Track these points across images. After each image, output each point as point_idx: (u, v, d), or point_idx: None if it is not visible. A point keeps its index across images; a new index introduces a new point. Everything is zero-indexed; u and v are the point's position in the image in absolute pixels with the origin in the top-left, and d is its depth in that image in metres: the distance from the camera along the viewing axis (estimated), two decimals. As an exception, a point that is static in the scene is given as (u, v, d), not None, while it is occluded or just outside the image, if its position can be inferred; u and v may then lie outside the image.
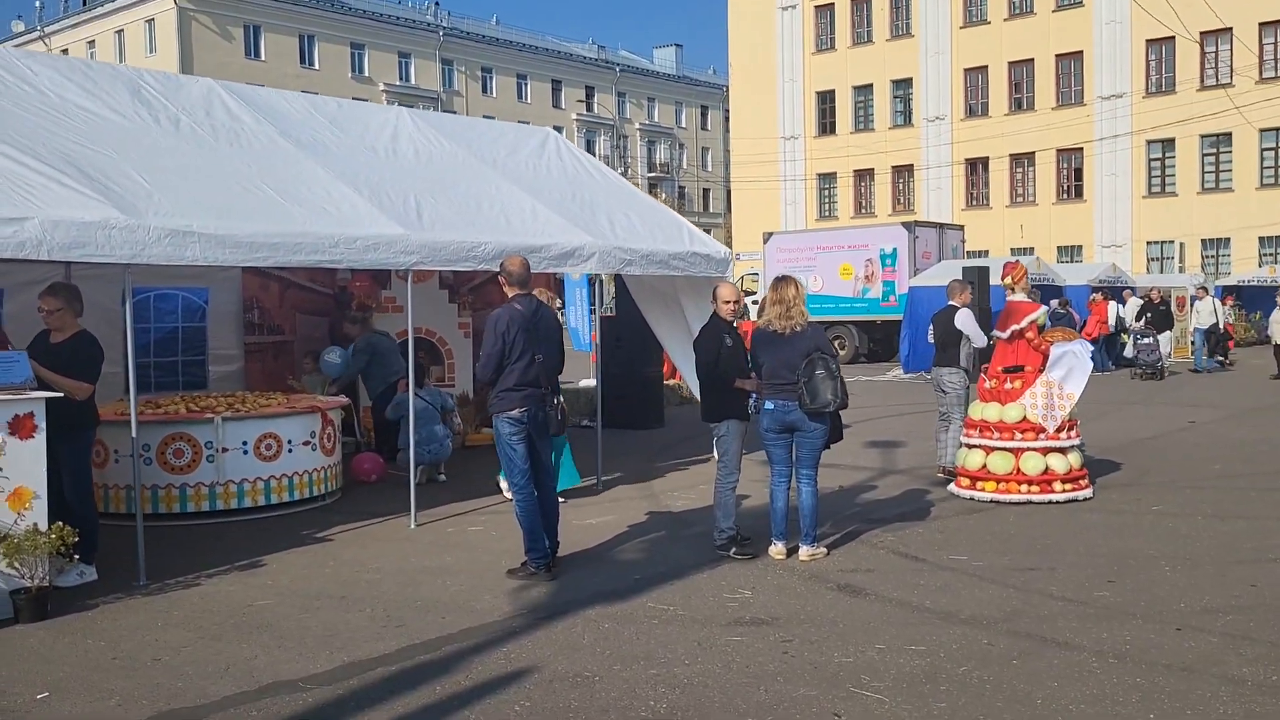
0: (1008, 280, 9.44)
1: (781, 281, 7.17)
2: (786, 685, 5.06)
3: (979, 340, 10.05)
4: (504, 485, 8.12)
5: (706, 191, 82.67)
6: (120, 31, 60.70)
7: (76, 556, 6.73)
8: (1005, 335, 9.38)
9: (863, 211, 46.34)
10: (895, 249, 26.51)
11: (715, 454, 11.51)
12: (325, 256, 7.95)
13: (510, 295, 7.01)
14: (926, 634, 5.72)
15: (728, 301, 7.46)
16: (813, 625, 5.92)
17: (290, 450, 9.18)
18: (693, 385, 11.98)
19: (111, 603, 6.52)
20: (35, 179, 6.67)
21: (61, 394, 6.54)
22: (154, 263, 7.13)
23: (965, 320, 10.01)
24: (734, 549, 7.37)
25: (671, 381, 16.49)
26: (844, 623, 5.95)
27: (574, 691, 5.04)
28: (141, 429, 8.37)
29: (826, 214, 47.49)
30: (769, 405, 7.14)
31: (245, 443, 8.91)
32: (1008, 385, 9.29)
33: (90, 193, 6.92)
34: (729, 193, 59.69)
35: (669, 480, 10.63)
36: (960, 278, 11.13)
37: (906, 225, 27.03)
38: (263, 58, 59.04)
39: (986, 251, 34.92)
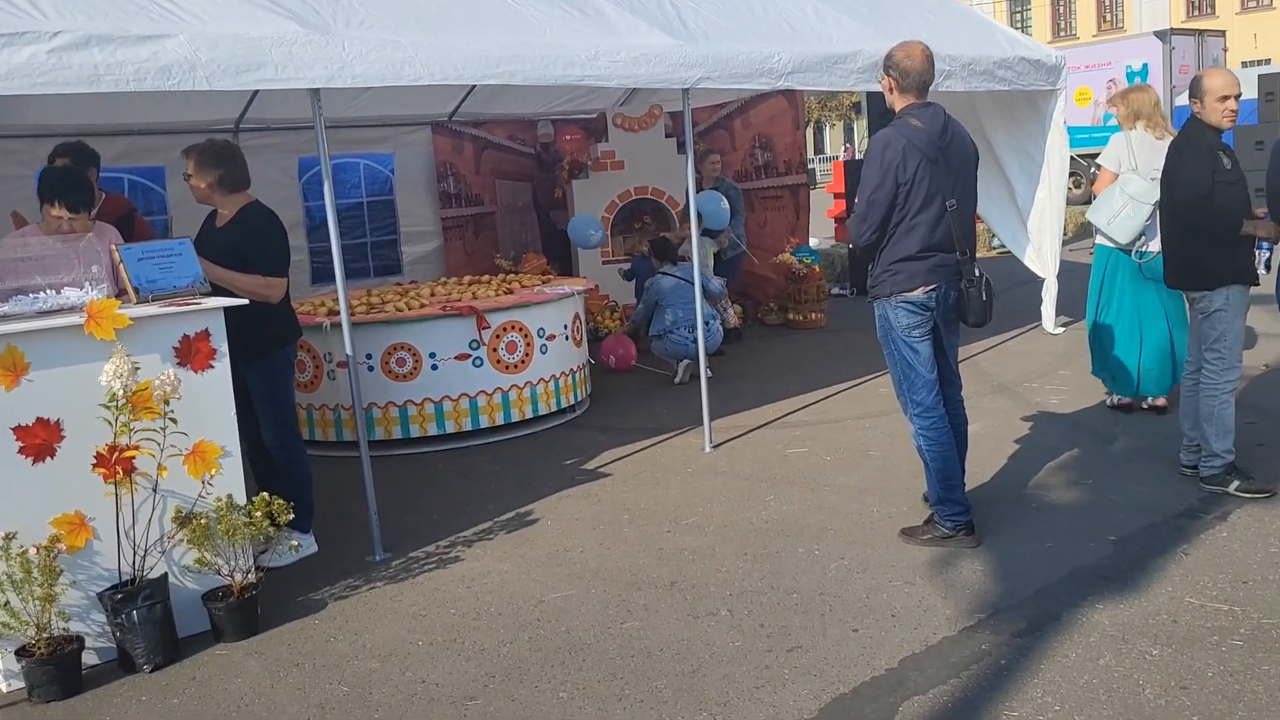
0: None
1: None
2: None
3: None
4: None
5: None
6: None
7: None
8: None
9: (1060, 34, 41.10)
10: (1145, 64, 22.47)
11: (1047, 322, 8.96)
12: (582, 72, 5.56)
13: (901, 107, 4.45)
14: None
15: (1225, 98, 4.71)
16: None
17: (544, 350, 7.10)
18: (1013, 245, 9.31)
19: (346, 595, 4.51)
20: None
21: (244, 299, 4.46)
22: (358, 83, 4.90)
23: None
24: (1236, 483, 4.84)
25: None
26: None
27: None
28: (359, 334, 6.41)
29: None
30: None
31: (474, 343, 6.78)
32: None
33: (260, 4, 4.68)
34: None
35: (1009, 361, 8.06)
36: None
37: (1159, 34, 22.84)
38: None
39: (1268, 60, 29.79)
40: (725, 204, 9.27)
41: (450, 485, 6.00)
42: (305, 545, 4.96)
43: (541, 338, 7.03)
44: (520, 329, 6.93)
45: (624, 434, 6.80)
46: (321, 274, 10.17)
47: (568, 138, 11.05)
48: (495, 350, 6.79)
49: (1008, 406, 6.77)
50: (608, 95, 11.37)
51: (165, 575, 4.05)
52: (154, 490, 4.01)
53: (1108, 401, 6.49)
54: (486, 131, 11.01)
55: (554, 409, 7.16)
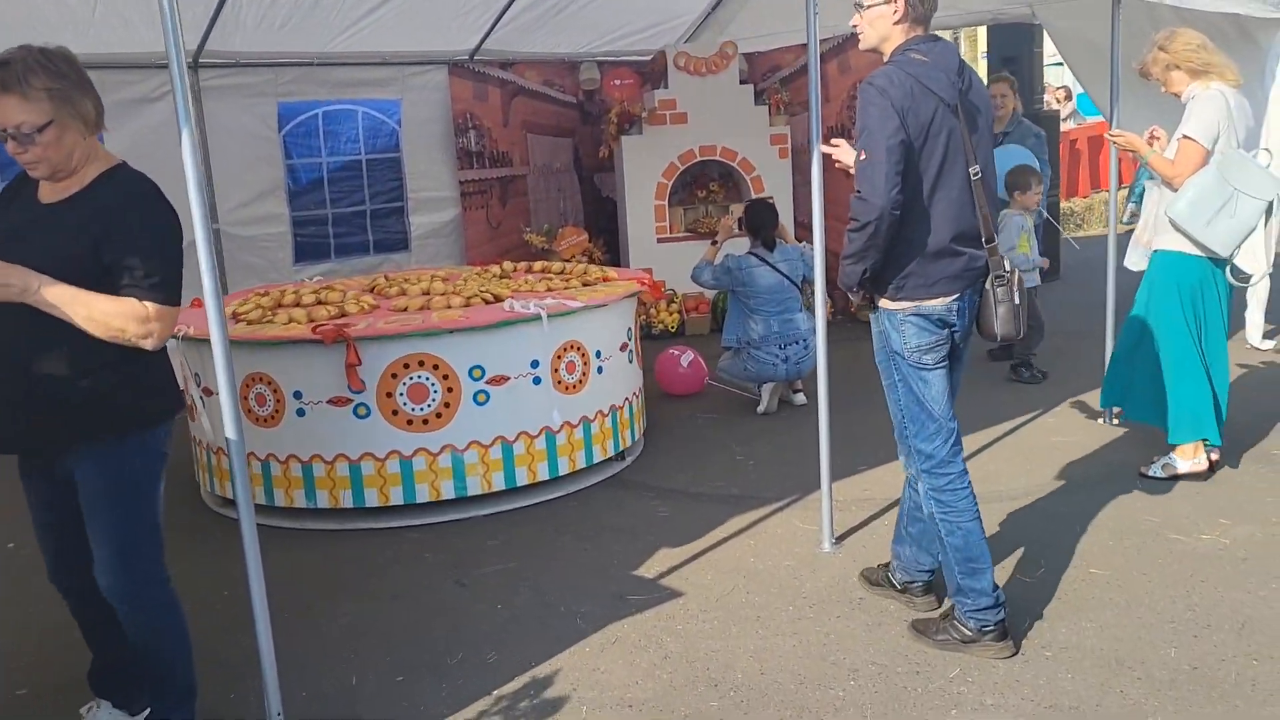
0: None
1: None
2: None
3: None
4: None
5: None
6: None
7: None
8: None
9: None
10: None
11: (1252, 333, 6.72)
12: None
13: (899, 43, 3.20)
14: None
15: None
16: None
17: (600, 370, 5.01)
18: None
19: None
20: None
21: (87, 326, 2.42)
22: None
23: None
24: None
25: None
26: None
27: None
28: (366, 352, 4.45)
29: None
30: None
31: (536, 362, 4.74)
32: None
33: None
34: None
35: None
36: None
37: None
38: None
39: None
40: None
41: (427, 602, 3.94)
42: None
43: (599, 358, 5.01)
44: (579, 348, 4.92)
45: (693, 504, 4.71)
46: (306, 249, 8.15)
47: (617, 83, 8.90)
48: (556, 369, 4.70)
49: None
50: (670, 30, 9.19)
51: None
52: None
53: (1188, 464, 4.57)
54: (517, 74, 8.88)
55: (610, 453, 5.10)
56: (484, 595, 3.86)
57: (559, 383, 4.79)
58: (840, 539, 4.17)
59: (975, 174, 3.16)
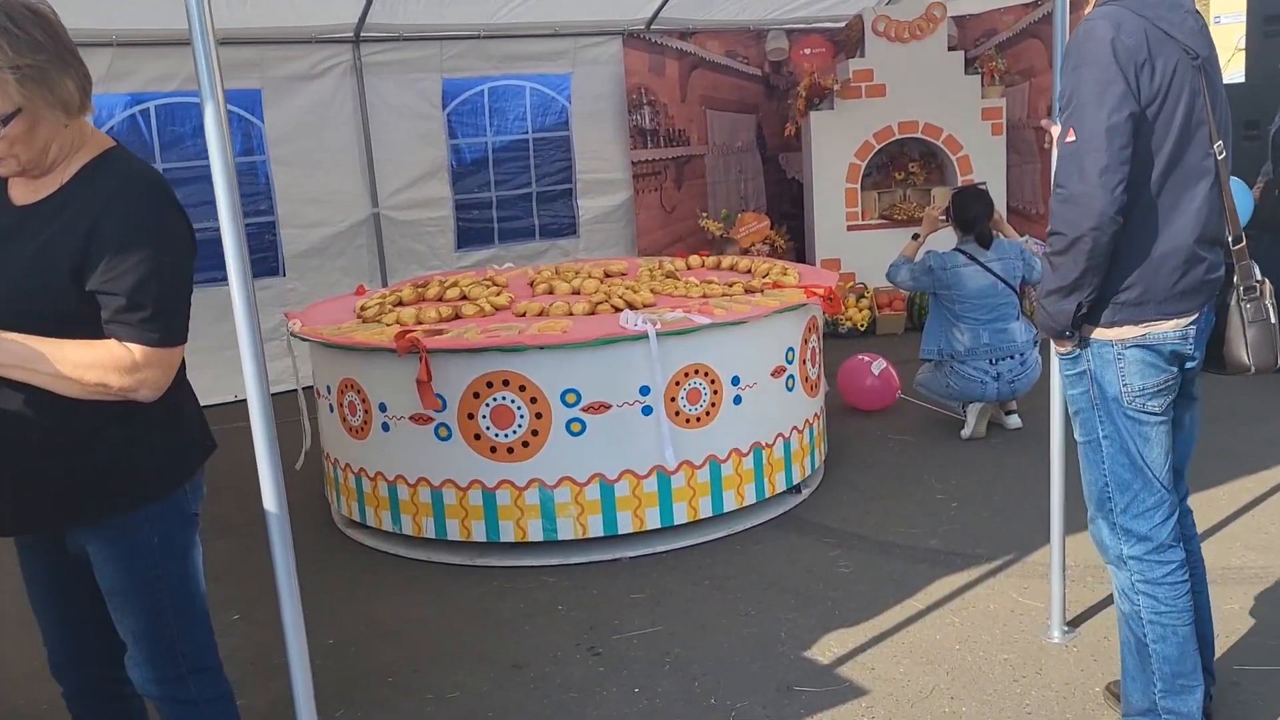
0: None
1: None
2: None
3: None
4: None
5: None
6: None
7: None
8: None
9: None
10: None
11: None
12: None
13: None
14: None
15: None
16: None
17: (737, 401, 4.12)
18: None
19: None
20: None
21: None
22: None
23: None
24: None
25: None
26: None
27: None
28: (444, 364, 3.86)
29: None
30: None
31: (647, 388, 3.93)
32: None
33: None
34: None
35: None
36: None
37: None
38: None
39: None
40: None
41: (552, 676, 3.29)
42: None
43: (736, 385, 4.09)
44: (706, 373, 4.04)
45: (882, 559, 3.89)
46: (469, 235, 7.70)
47: (807, 52, 8.05)
48: (672, 398, 3.97)
49: None
50: (868, -9, 8.23)
51: None
52: None
53: None
54: (697, 44, 8.14)
55: (756, 497, 4.28)
56: (620, 671, 3.18)
57: (676, 414, 3.95)
58: (1074, 623, 3.27)
59: (1220, 151, 2.33)
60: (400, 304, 4.79)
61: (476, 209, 7.67)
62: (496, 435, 3.86)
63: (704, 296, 4.41)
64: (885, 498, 4.45)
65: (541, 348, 3.79)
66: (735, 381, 4.07)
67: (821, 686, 3.02)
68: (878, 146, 7.65)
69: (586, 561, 3.98)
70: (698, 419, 3.99)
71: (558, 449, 3.86)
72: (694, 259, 5.58)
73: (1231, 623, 3.19)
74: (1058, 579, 3.23)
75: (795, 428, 4.32)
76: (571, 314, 4.20)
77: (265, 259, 6.86)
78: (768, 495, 4.25)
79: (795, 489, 4.46)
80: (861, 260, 7.62)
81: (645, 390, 3.88)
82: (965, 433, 5.12)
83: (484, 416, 3.85)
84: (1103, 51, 2.20)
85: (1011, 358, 4.96)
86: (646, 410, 3.90)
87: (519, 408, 3.83)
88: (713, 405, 4.02)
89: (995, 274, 4.92)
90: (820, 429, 4.61)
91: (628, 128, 7.92)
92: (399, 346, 3.78)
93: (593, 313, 4.20)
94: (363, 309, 4.57)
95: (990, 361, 4.93)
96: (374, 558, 4.19)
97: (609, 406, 3.86)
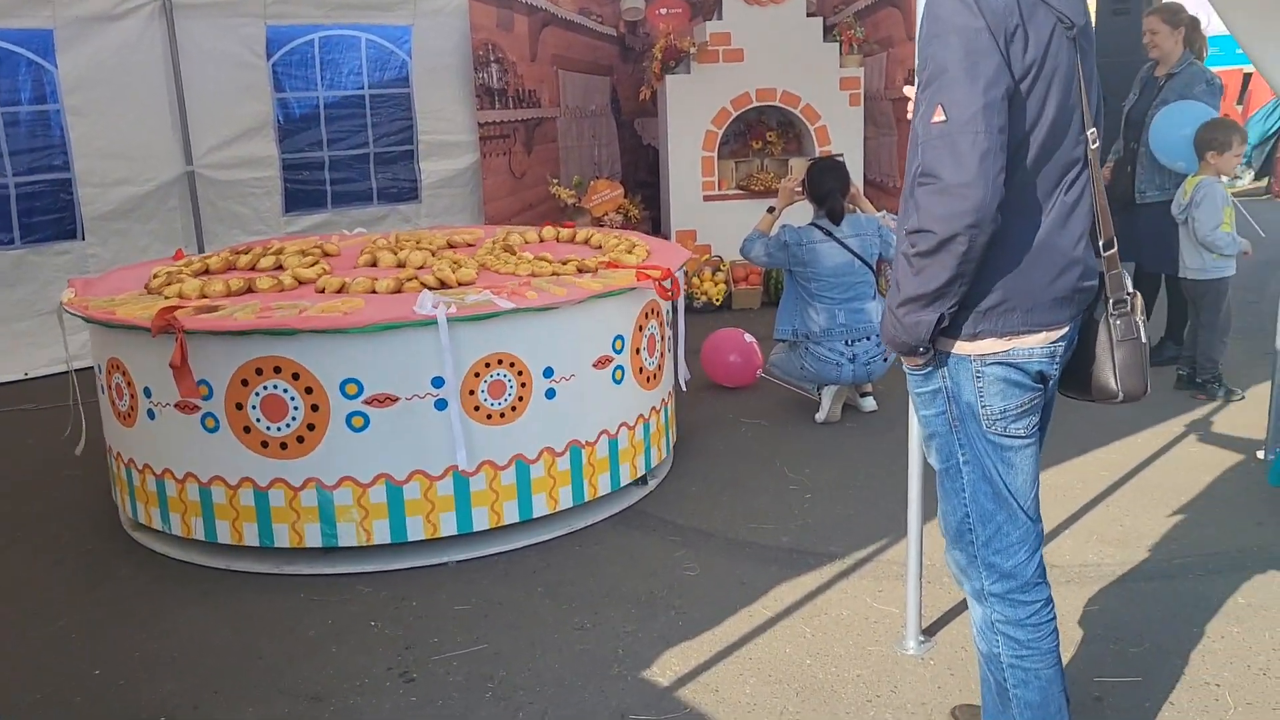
0: None
1: None
2: None
3: None
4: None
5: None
6: None
7: None
8: None
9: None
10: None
11: None
12: None
13: None
14: None
15: None
16: None
17: (550, 395, 3.68)
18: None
19: None
20: None
21: None
22: None
23: None
24: None
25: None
26: None
27: None
28: (206, 346, 3.38)
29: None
30: None
31: (440, 380, 3.51)
32: None
33: None
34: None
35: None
36: None
37: None
38: None
39: None
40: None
41: (356, 707, 2.90)
42: None
43: (549, 378, 3.68)
44: (512, 363, 3.62)
45: (731, 559, 3.62)
46: (299, 198, 7.11)
47: (663, 13, 7.70)
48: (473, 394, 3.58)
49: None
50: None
51: None
52: None
53: None
54: (549, 0, 7.69)
55: (596, 493, 3.94)
56: (435, 701, 2.80)
57: (475, 409, 3.54)
58: (930, 630, 3.05)
59: (1093, 140, 2.03)
60: (207, 273, 4.26)
61: (307, 169, 7.08)
62: (268, 429, 3.41)
63: (531, 275, 4.00)
64: (736, 489, 4.19)
65: (316, 331, 3.34)
66: (548, 373, 3.66)
67: (659, 715, 2.71)
68: (735, 114, 7.39)
69: (407, 568, 3.58)
70: (501, 415, 3.59)
71: (337, 445, 3.43)
72: (547, 231, 5.15)
73: (1091, 627, 3.03)
74: (914, 582, 3.00)
75: (625, 424, 3.95)
76: (375, 291, 3.76)
77: (60, 220, 6.13)
78: (586, 499, 3.87)
79: (642, 480, 4.14)
80: (718, 232, 7.36)
81: (438, 382, 3.46)
82: (820, 416, 4.90)
83: (254, 407, 3.40)
84: (970, 16, 1.86)
85: (868, 339, 4.75)
86: (440, 404, 3.48)
87: (292, 398, 3.38)
88: (520, 400, 3.62)
89: (852, 251, 4.70)
90: (662, 423, 4.27)
91: (474, 86, 7.43)
92: (153, 326, 3.28)
93: (399, 290, 3.75)
94: (153, 278, 4.02)
95: (846, 343, 4.72)
96: (164, 566, 3.69)
97: (396, 400, 3.44)
